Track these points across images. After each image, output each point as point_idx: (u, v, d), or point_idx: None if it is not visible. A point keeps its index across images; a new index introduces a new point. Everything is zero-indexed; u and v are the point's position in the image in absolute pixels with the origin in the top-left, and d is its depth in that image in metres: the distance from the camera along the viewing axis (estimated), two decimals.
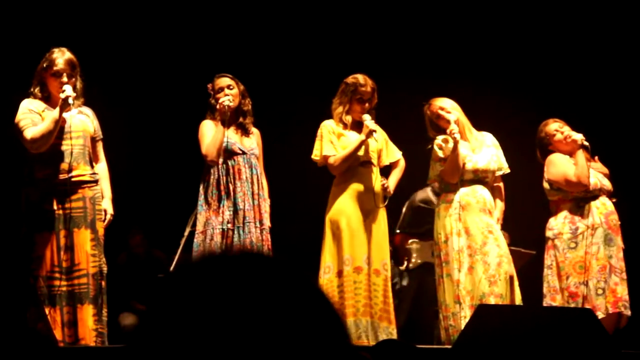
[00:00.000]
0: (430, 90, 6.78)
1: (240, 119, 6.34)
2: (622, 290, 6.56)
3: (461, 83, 6.87)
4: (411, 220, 7.40)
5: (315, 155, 6.52)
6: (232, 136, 6.29)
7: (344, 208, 6.39)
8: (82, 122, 5.91)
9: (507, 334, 4.94)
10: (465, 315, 6.23)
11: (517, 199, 6.89)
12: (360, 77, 6.53)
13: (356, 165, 6.48)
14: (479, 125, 6.75)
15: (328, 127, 6.53)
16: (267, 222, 6.30)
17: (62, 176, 5.74)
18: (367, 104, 6.49)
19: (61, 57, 5.78)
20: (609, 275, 6.55)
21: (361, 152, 6.47)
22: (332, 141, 6.49)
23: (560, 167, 6.70)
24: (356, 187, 6.43)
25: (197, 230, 6.18)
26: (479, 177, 6.56)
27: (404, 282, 7.42)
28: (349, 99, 6.50)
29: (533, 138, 6.94)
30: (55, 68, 5.77)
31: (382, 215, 6.49)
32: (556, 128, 6.78)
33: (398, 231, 7.50)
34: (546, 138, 6.80)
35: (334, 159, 6.45)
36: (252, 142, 6.36)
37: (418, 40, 8.36)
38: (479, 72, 8.17)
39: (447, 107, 6.59)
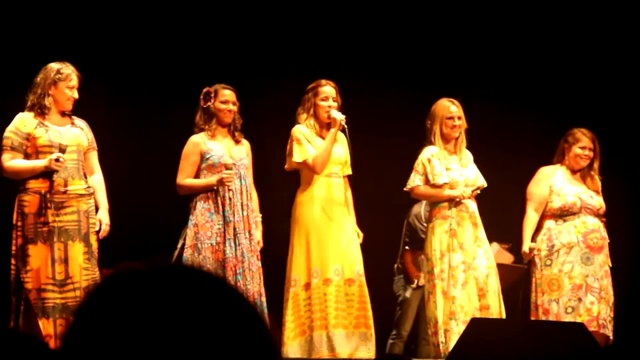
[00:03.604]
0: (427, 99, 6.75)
1: (236, 135, 6.33)
2: (599, 310, 6.56)
3: (455, 93, 6.80)
4: (410, 235, 7.41)
5: (297, 158, 6.39)
6: (219, 149, 6.27)
7: (312, 218, 6.33)
8: (76, 136, 5.93)
9: (500, 348, 4.95)
10: (460, 331, 6.21)
11: (511, 213, 6.90)
12: (322, 80, 6.49)
13: (324, 175, 6.40)
14: (477, 138, 6.72)
15: (302, 131, 6.45)
16: (255, 234, 6.26)
17: (58, 190, 5.77)
18: (333, 104, 6.41)
19: (74, 71, 5.89)
20: (585, 295, 6.56)
21: (330, 163, 6.38)
22: (311, 143, 6.41)
23: (534, 187, 6.78)
24: (323, 196, 6.36)
25: (187, 244, 6.15)
26: None
27: (407, 294, 7.42)
28: (312, 103, 6.45)
29: (528, 153, 6.96)
30: (71, 83, 5.87)
31: (350, 224, 6.43)
32: (584, 145, 6.74)
33: (407, 248, 7.49)
34: (569, 142, 6.78)
35: (312, 158, 6.35)
36: (242, 152, 6.34)
37: (410, 50, 8.31)
38: (473, 83, 8.10)
39: (458, 124, 6.49)
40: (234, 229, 6.15)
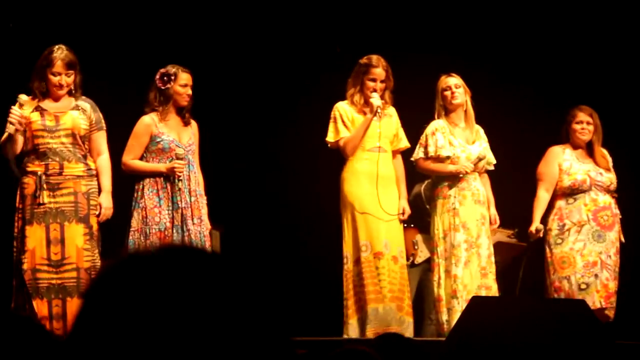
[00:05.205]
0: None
1: (187, 117, 6.25)
2: (614, 286, 6.58)
3: (472, 72, 6.76)
4: (411, 214, 7.41)
5: (330, 137, 6.42)
6: (170, 134, 6.20)
7: (356, 193, 6.33)
8: (73, 119, 5.91)
9: (501, 325, 4.96)
10: (462, 309, 6.23)
11: (521, 192, 6.89)
12: (374, 58, 6.41)
13: (367, 150, 6.39)
14: (483, 119, 6.70)
15: (342, 109, 6.45)
16: (205, 219, 6.22)
17: (53, 172, 5.79)
18: (380, 85, 6.39)
19: (59, 57, 5.83)
20: (601, 271, 6.57)
21: (374, 137, 6.38)
22: (346, 123, 6.41)
23: (544, 167, 6.80)
24: (364, 170, 6.36)
25: (132, 227, 6.10)
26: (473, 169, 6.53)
27: None
28: (360, 80, 6.40)
29: (539, 132, 6.94)
30: (53, 69, 5.84)
31: (396, 201, 6.44)
32: (582, 119, 6.77)
33: (405, 226, 7.50)
34: (567, 120, 6.80)
35: (343, 141, 6.36)
36: (190, 136, 6.27)
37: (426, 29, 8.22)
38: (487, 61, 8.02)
39: (457, 92, 6.48)
40: (182, 215, 6.11)
